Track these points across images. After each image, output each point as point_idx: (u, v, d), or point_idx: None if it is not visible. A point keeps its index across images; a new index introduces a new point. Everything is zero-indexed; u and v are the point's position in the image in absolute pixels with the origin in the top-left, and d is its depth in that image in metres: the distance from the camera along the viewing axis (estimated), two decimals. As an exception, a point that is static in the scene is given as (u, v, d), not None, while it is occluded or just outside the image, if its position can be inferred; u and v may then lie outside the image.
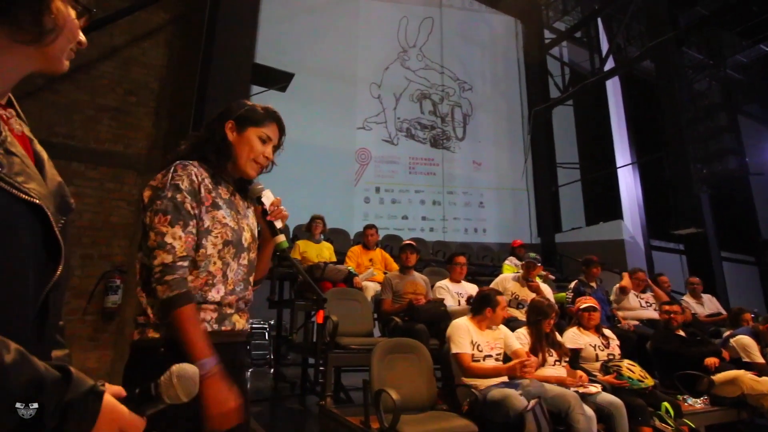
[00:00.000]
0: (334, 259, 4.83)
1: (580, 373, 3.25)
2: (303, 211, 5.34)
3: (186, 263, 1.14)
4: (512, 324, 3.80)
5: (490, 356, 3.04)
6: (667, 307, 4.18)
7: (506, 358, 3.13)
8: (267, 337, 5.91)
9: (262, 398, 4.15)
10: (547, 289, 4.42)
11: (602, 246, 8.14)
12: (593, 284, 4.81)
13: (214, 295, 1.20)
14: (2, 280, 0.54)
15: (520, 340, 3.25)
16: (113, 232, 4.66)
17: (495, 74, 10.22)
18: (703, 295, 5.59)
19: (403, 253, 4.24)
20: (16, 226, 0.58)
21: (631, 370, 3.32)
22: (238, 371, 1.25)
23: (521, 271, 4.48)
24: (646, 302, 5.00)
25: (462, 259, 4.35)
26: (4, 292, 0.52)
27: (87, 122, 4.87)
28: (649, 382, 3.32)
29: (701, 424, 3.39)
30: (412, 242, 4.42)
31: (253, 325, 5.83)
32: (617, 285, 5.07)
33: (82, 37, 0.71)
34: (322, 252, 4.77)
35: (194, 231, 1.18)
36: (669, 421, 3.08)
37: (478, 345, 3.03)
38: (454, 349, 2.97)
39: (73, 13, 0.68)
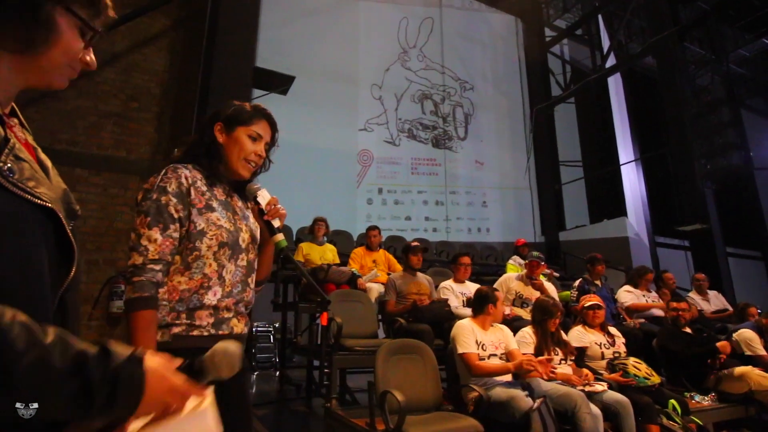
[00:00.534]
0: (338, 260, 4.83)
1: (585, 371, 3.23)
2: (306, 213, 5.35)
3: (158, 267, 1.13)
4: (517, 323, 3.79)
5: (495, 355, 3.04)
6: (674, 305, 4.15)
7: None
8: (272, 340, 5.92)
9: (268, 401, 4.16)
10: (551, 288, 4.40)
11: (606, 244, 8.11)
12: (598, 282, 4.79)
13: (211, 297, 1.20)
14: (22, 281, 0.56)
15: (525, 339, 3.24)
16: (117, 238, 4.69)
17: (496, 73, 10.20)
18: (709, 291, 5.55)
19: (414, 255, 4.22)
20: (31, 229, 0.60)
21: (638, 367, 3.30)
22: (236, 376, 1.24)
23: (525, 270, 4.47)
24: (652, 301, 4.97)
25: (466, 260, 4.34)
26: (25, 292, 0.54)
27: (90, 128, 4.90)
28: (656, 379, 3.30)
29: (709, 421, 3.37)
30: (420, 244, 4.38)
31: (258, 328, 5.84)
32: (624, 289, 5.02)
33: (88, 57, 0.71)
34: (325, 254, 4.78)
35: (175, 235, 1.18)
36: (676, 419, 3.06)
37: (483, 344, 3.03)
38: (460, 349, 2.97)
39: (75, 31, 0.68)
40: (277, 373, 4.88)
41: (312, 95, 7.83)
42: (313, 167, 7.64)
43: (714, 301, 5.49)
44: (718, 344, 3.75)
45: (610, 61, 9.42)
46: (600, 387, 3.03)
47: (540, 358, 2.83)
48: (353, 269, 4.54)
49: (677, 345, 3.91)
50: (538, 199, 9.67)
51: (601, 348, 3.54)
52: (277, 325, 5.69)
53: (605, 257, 5.01)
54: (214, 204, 1.25)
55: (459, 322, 3.13)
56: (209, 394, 0.69)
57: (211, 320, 1.20)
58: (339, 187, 8.16)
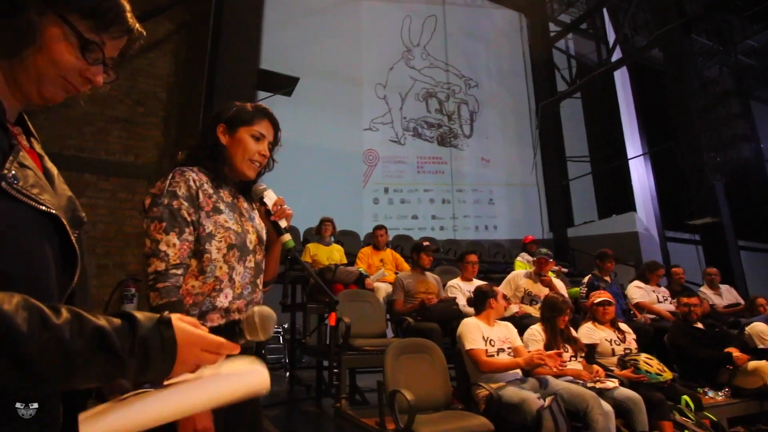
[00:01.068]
0: (345, 261, 4.83)
1: (596, 367, 3.21)
2: (312, 213, 5.36)
3: (180, 271, 1.14)
4: (526, 320, 3.77)
5: (503, 350, 3.03)
6: (685, 300, 4.09)
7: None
8: (281, 341, 5.94)
9: (278, 402, 4.17)
10: (560, 285, 4.37)
11: (616, 239, 8.04)
12: (607, 278, 4.75)
13: (223, 300, 1.21)
14: (28, 285, 0.57)
15: (534, 337, 3.22)
16: (126, 242, 4.73)
17: (500, 70, 10.15)
18: (721, 285, 5.48)
19: (426, 255, 4.21)
20: (36, 235, 0.61)
21: (649, 363, 3.27)
22: None
23: (533, 267, 4.44)
24: (663, 296, 4.92)
25: (474, 258, 4.33)
26: (33, 297, 0.55)
27: (97, 134, 4.95)
28: (668, 375, 3.27)
29: (723, 416, 3.33)
30: (430, 244, 4.37)
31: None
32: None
33: (92, 75, 0.70)
34: (332, 254, 4.78)
35: (191, 238, 1.18)
36: (690, 415, 3.03)
37: (490, 340, 3.02)
38: (468, 346, 2.96)
39: (68, 42, 0.67)
40: (287, 373, 4.89)
41: (316, 96, 7.85)
42: (319, 168, 7.65)
43: (726, 296, 5.42)
44: (731, 350, 3.69)
45: (616, 55, 9.33)
46: (611, 384, 3.01)
47: (550, 352, 2.81)
48: (361, 269, 4.54)
49: (688, 342, 3.86)
50: (546, 195, 9.61)
51: (611, 344, 3.51)
52: (286, 326, 5.71)
53: (614, 253, 4.97)
54: (222, 206, 1.25)
55: (464, 321, 3.12)
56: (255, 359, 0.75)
57: (222, 322, 1.21)
58: (345, 187, 8.17)
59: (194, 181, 1.22)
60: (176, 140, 5.26)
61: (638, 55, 9.54)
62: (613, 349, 3.50)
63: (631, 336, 3.64)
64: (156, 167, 5.08)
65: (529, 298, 4.27)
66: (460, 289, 4.16)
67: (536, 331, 3.25)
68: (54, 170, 0.72)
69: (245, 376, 0.73)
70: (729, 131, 7.69)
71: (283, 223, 1.31)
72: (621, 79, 10.15)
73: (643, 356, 3.34)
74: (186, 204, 1.19)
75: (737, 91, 8.17)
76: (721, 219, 7.05)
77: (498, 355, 2.99)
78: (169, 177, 1.21)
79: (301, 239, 6.00)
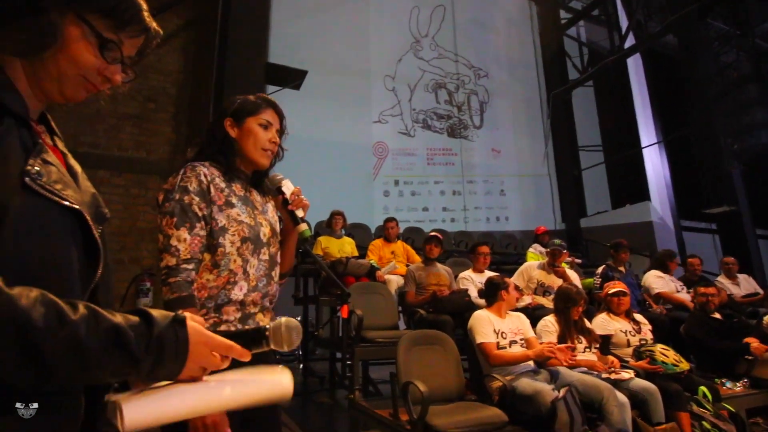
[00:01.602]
0: (356, 253, 4.84)
1: (611, 358, 3.18)
2: (323, 207, 5.37)
3: (191, 265, 1.15)
4: (539, 312, 3.75)
5: (515, 342, 3.01)
6: (702, 289, 4.02)
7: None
8: (294, 334, 5.98)
9: (292, 393, 4.21)
10: (573, 275, 4.33)
11: (630, 229, 7.94)
12: (622, 269, 4.69)
13: (237, 293, 1.21)
14: (50, 282, 0.57)
15: (548, 328, 3.20)
16: (141, 237, 4.79)
17: (511, 59, 10.02)
18: (738, 275, 5.38)
19: (427, 245, 4.22)
20: (60, 230, 0.62)
21: (665, 354, 3.23)
22: None
23: (546, 258, 4.40)
24: (681, 286, 4.85)
25: (485, 249, 4.31)
26: (55, 289, 0.56)
27: (110, 131, 5.00)
28: (685, 366, 3.22)
29: (741, 407, 3.27)
30: (437, 234, 4.38)
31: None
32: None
33: (111, 73, 0.71)
34: (343, 247, 4.79)
35: (202, 233, 1.19)
36: (707, 406, 2.98)
37: (502, 332, 3.00)
38: (478, 339, 2.95)
39: (88, 42, 0.68)
40: (301, 365, 4.93)
41: (325, 89, 7.82)
42: (329, 161, 7.65)
43: (744, 285, 5.32)
44: (749, 341, 3.62)
45: (629, 42, 9.14)
46: (627, 375, 2.98)
47: (561, 345, 2.79)
48: (372, 261, 4.54)
49: (705, 332, 3.80)
50: (558, 185, 9.50)
51: (626, 335, 3.48)
52: (299, 319, 5.75)
53: (629, 243, 4.90)
54: (234, 200, 1.25)
55: (475, 313, 3.11)
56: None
57: (238, 315, 1.21)
58: (355, 180, 8.16)
59: (205, 176, 1.23)
60: (187, 135, 5.30)
61: (652, 41, 9.33)
62: (628, 340, 3.46)
63: (646, 327, 3.60)
64: (168, 163, 5.12)
65: (542, 289, 4.24)
66: (472, 281, 4.14)
67: (549, 323, 3.22)
68: (77, 168, 0.74)
69: (270, 382, 0.76)
70: (747, 117, 7.51)
71: (299, 213, 1.31)
72: (634, 66, 9.95)
73: (659, 347, 3.30)
74: (197, 199, 1.19)
75: (755, 76, 7.94)
76: (738, 207, 6.91)
77: (510, 347, 2.98)
78: (181, 172, 1.22)
79: (312, 232, 6.01)
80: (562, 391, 2.57)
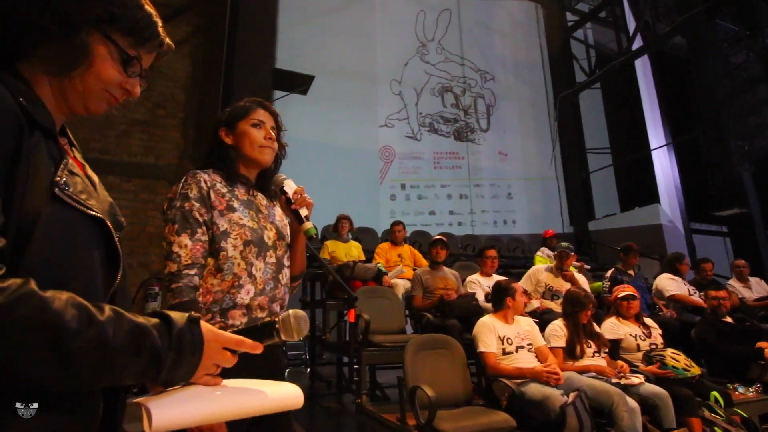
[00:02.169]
0: (363, 257, 4.85)
1: (620, 362, 3.15)
2: (329, 211, 5.38)
3: (193, 271, 1.17)
4: (547, 316, 3.72)
5: (522, 347, 2.99)
6: (714, 293, 3.97)
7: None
8: (302, 338, 5.99)
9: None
10: (582, 279, 4.30)
11: (639, 232, 7.85)
12: (631, 272, 4.65)
13: (244, 296, 1.22)
14: (78, 283, 0.61)
15: (556, 332, 3.18)
16: (150, 241, 4.84)
17: (517, 62, 9.99)
18: (750, 278, 5.31)
19: (433, 248, 4.22)
20: (85, 238, 0.65)
21: (676, 359, 3.19)
22: (271, 377, 1.26)
23: (554, 261, 4.38)
24: (693, 290, 4.79)
25: (492, 253, 4.29)
26: (81, 293, 0.59)
27: (120, 137, 5.07)
28: (696, 370, 3.18)
29: (754, 413, 3.23)
30: (442, 237, 4.39)
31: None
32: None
33: (132, 87, 0.75)
34: (350, 251, 4.80)
35: (204, 238, 1.21)
36: (719, 411, 2.94)
37: (507, 338, 2.98)
38: (481, 348, 2.95)
39: (112, 58, 0.71)
40: (308, 370, 4.94)
41: (332, 94, 7.85)
42: (336, 165, 7.67)
43: (756, 288, 5.25)
44: (762, 345, 3.56)
45: (637, 43, 9.08)
46: (637, 380, 2.95)
47: (556, 368, 2.77)
48: (379, 264, 4.54)
49: (715, 337, 3.74)
50: (566, 188, 9.43)
51: (636, 340, 3.44)
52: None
53: (639, 246, 4.85)
54: (236, 204, 1.27)
55: (480, 320, 3.10)
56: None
57: (245, 320, 1.22)
58: (362, 184, 8.17)
59: (205, 182, 1.25)
60: (195, 141, 5.35)
61: (660, 43, 9.27)
62: (638, 345, 3.42)
63: (656, 331, 3.56)
64: (176, 168, 5.17)
65: (550, 293, 4.21)
66: (480, 285, 4.13)
67: (558, 327, 3.20)
68: (95, 177, 0.77)
69: (284, 390, 0.79)
70: (757, 118, 7.41)
71: (303, 212, 1.32)
72: (642, 68, 9.88)
73: (670, 351, 3.27)
74: (197, 205, 1.22)
75: (765, 77, 7.85)
76: (749, 209, 6.83)
77: (517, 352, 2.96)
78: (182, 180, 1.25)
79: (319, 237, 6.04)
80: (572, 396, 2.55)
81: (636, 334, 3.46)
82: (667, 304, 4.62)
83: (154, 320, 0.64)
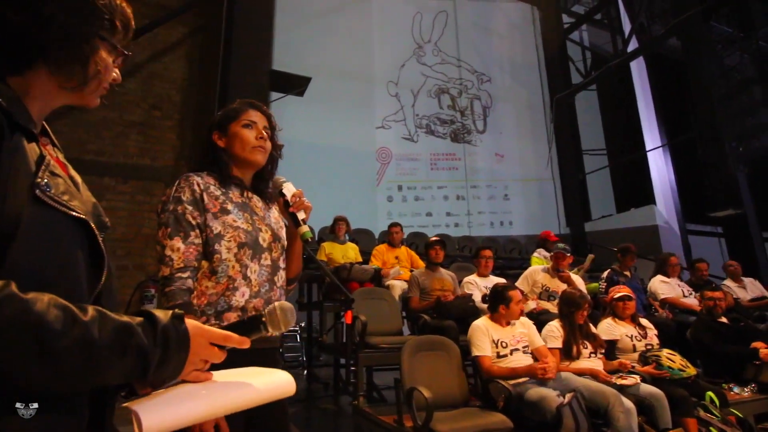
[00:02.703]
0: (360, 259, 4.85)
1: (621, 360, 3.17)
2: (326, 213, 5.38)
3: (186, 274, 1.17)
4: (544, 317, 3.73)
5: (517, 349, 2.98)
6: (709, 293, 3.99)
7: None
8: (298, 339, 5.98)
9: (296, 400, 4.21)
10: (578, 280, 4.31)
11: (635, 233, 7.89)
12: (627, 273, 4.67)
13: (239, 299, 1.22)
14: (62, 289, 0.60)
15: (552, 333, 3.19)
16: (146, 243, 4.82)
17: (513, 64, 10.03)
18: (745, 278, 5.34)
19: (431, 249, 4.22)
20: (68, 239, 0.64)
21: (671, 359, 3.20)
22: None
23: (551, 262, 4.39)
24: (687, 291, 4.81)
25: (487, 253, 4.30)
26: (65, 294, 0.58)
27: (116, 138, 5.05)
28: (691, 371, 3.19)
29: (749, 412, 3.24)
30: (439, 238, 4.39)
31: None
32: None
33: (117, 75, 0.77)
34: (347, 253, 4.80)
35: (197, 241, 1.21)
36: (714, 411, 2.95)
37: (502, 341, 2.98)
38: (475, 351, 2.95)
39: (112, 58, 0.74)
40: (305, 371, 4.93)
41: (328, 95, 7.86)
42: (332, 167, 7.67)
43: (750, 288, 5.28)
44: (758, 345, 3.58)
45: (632, 45, 9.13)
46: (633, 380, 2.96)
47: (550, 367, 2.78)
48: (375, 266, 4.55)
49: (711, 338, 3.76)
50: (562, 189, 9.46)
51: (632, 340, 3.45)
52: (303, 325, 5.76)
53: (635, 247, 4.88)
54: (229, 207, 1.27)
55: (473, 323, 3.09)
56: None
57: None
58: (359, 186, 8.17)
59: (198, 185, 1.25)
60: (192, 142, 5.34)
61: (655, 45, 9.32)
62: (634, 345, 3.43)
63: (652, 331, 3.57)
64: (173, 169, 5.16)
65: (546, 294, 4.22)
66: (477, 285, 4.14)
67: (555, 327, 3.21)
68: (78, 178, 0.76)
69: (275, 379, 0.78)
70: (751, 120, 7.47)
71: (301, 215, 1.32)
72: (637, 69, 9.94)
73: (666, 352, 3.28)
74: (190, 208, 1.22)
75: (759, 79, 7.91)
76: (744, 210, 6.86)
77: (511, 354, 2.96)
78: (176, 184, 1.26)
79: (316, 238, 6.03)
80: (568, 397, 2.56)
81: (632, 335, 3.48)
82: (662, 305, 4.64)
83: (139, 319, 0.64)
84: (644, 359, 3.30)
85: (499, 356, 2.94)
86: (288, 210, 1.32)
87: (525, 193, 9.31)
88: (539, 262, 5.27)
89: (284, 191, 1.33)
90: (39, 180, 0.62)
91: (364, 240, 6.22)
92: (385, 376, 4.15)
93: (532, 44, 10.26)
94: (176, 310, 0.68)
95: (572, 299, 3.22)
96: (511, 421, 2.56)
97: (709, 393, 3.07)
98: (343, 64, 8.38)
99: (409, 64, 9.09)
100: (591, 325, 3.34)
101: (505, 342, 2.98)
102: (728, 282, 5.30)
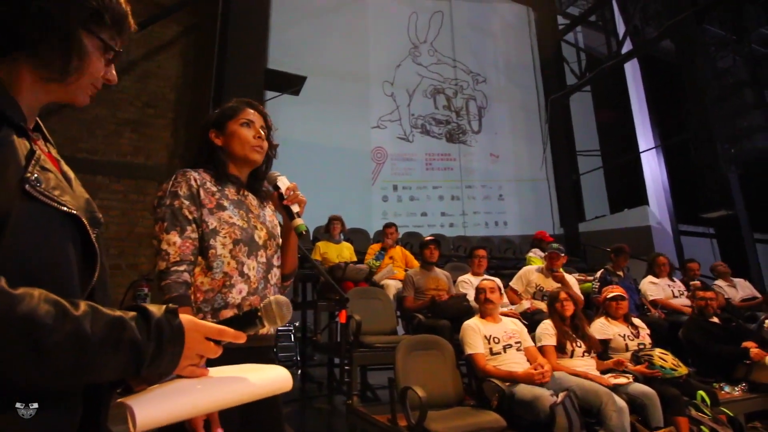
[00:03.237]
0: (355, 258, 4.84)
1: (615, 359, 3.20)
2: (321, 212, 5.37)
3: (182, 267, 1.17)
4: (538, 316, 3.75)
5: (510, 346, 3.00)
6: (701, 293, 4.03)
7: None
8: (292, 339, 5.97)
9: (290, 399, 4.20)
10: (572, 280, 4.33)
11: (628, 233, 7.94)
12: (620, 273, 4.70)
13: (235, 296, 1.22)
14: (53, 285, 0.58)
15: (547, 331, 3.21)
16: (139, 242, 4.79)
17: (509, 64, 10.07)
18: (736, 279, 5.39)
19: (426, 249, 4.22)
20: (59, 235, 0.63)
21: (663, 358, 3.23)
22: None
23: (545, 262, 4.41)
24: (678, 291, 4.85)
25: (482, 252, 4.31)
26: (57, 293, 0.57)
27: (109, 137, 5.01)
28: (683, 370, 3.22)
29: (740, 411, 3.27)
30: (434, 237, 4.41)
31: (278, 328, 5.88)
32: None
33: (111, 75, 0.75)
34: (342, 252, 4.80)
35: (194, 235, 1.21)
36: (705, 410, 2.98)
37: (494, 338, 3.00)
38: (468, 350, 2.97)
39: (99, 53, 0.72)
40: (299, 371, 4.92)
41: (324, 94, 7.84)
42: (328, 166, 7.66)
43: (742, 288, 5.33)
44: (748, 345, 3.62)
45: (626, 47, 9.19)
46: (625, 379, 2.98)
47: (547, 367, 2.80)
48: (369, 261, 4.56)
49: (703, 339, 3.79)
50: (556, 190, 9.51)
51: (625, 340, 3.48)
52: (297, 324, 5.74)
53: (628, 248, 4.91)
54: (225, 203, 1.27)
55: (464, 324, 3.12)
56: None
57: None
58: (354, 186, 8.17)
59: (195, 180, 1.25)
60: (186, 141, 5.31)
61: (649, 47, 9.38)
62: (626, 344, 3.46)
63: (644, 331, 3.60)
64: (166, 168, 5.13)
65: (540, 294, 4.24)
66: (471, 285, 4.14)
67: (549, 326, 3.23)
68: (71, 173, 0.75)
69: (271, 374, 0.77)
70: (743, 122, 7.53)
71: (295, 209, 1.32)
72: (631, 71, 10.00)
73: (658, 351, 3.30)
74: (187, 203, 1.22)
75: (751, 81, 7.98)
76: (735, 211, 6.93)
77: (505, 351, 2.98)
78: (172, 179, 1.26)
79: (311, 237, 6.02)
80: (561, 396, 2.57)
81: (624, 334, 3.50)
82: (653, 305, 4.68)
83: (132, 313, 0.63)
84: (637, 358, 3.32)
85: (492, 353, 2.95)
86: (282, 203, 1.32)
87: (519, 194, 9.35)
88: (537, 262, 5.29)
89: (279, 184, 1.34)
90: (29, 175, 0.62)
91: (359, 240, 6.22)
92: (379, 376, 4.15)
93: (527, 45, 10.30)
94: (170, 305, 0.68)
95: (552, 294, 3.34)
96: (505, 420, 2.57)
97: (701, 392, 3.10)
98: (339, 64, 8.37)
99: (405, 64, 9.10)
100: (587, 326, 3.36)
101: (497, 338, 3.00)
102: (720, 282, 5.34)
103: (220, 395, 0.70)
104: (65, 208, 0.64)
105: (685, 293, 4.79)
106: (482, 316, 3.15)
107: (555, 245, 4.34)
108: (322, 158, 7.55)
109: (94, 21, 0.70)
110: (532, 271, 4.40)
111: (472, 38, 9.77)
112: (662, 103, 9.98)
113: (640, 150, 9.29)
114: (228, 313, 1.21)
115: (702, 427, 2.89)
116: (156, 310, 0.65)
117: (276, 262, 1.36)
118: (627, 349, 3.43)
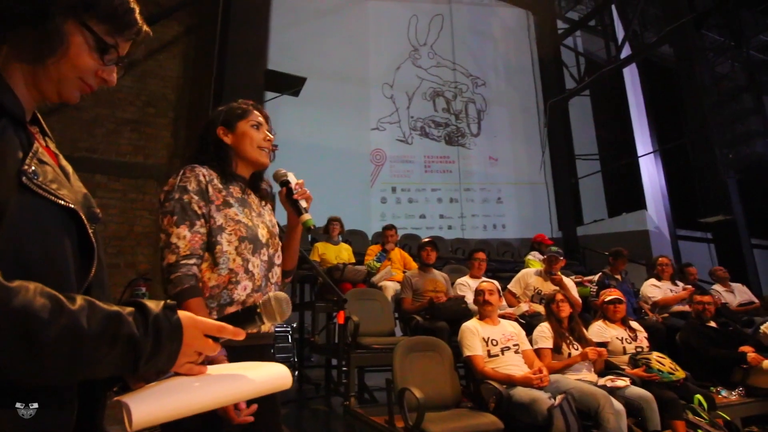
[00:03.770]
0: (353, 260, 4.84)
1: (598, 349, 3.17)
2: (320, 213, 5.37)
3: (192, 261, 1.17)
4: (536, 320, 3.75)
5: (508, 348, 3.01)
6: (698, 298, 4.04)
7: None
8: (290, 340, 5.96)
9: (287, 400, 4.19)
10: (570, 283, 4.34)
11: (626, 237, 7.96)
12: (618, 276, 4.71)
13: (240, 293, 1.23)
14: (48, 279, 0.58)
15: (543, 333, 3.21)
16: (137, 241, 4.78)
17: (508, 68, 10.10)
18: (733, 283, 5.41)
19: (423, 250, 4.23)
20: (55, 228, 0.62)
21: (661, 362, 3.23)
22: None
23: (543, 265, 4.41)
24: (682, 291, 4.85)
25: (481, 255, 4.32)
26: (53, 287, 0.56)
27: (108, 136, 5.01)
28: (680, 374, 3.22)
29: (737, 415, 3.28)
30: (431, 239, 4.42)
31: (276, 328, 5.86)
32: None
33: (110, 76, 0.73)
34: (340, 253, 4.79)
35: (202, 230, 1.22)
36: (703, 414, 2.98)
37: (492, 339, 3.00)
38: (467, 352, 2.97)
39: (87, 46, 0.70)
40: (296, 372, 4.91)
41: (324, 96, 7.86)
42: (327, 167, 7.66)
43: (739, 293, 5.35)
44: (745, 349, 3.63)
45: (625, 52, 9.23)
46: (622, 382, 2.98)
47: (545, 371, 2.81)
48: (368, 262, 4.56)
49: (700, 342, 3.80)
50: (555, 193, 9.54)
51: (622, 343, 3.48)
52: (294, 325, 5.73)
53: (626, 252, 4.93)
54: (232, 201, 1.28)
55: (463, 326, 3.12)
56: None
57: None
58: (353, 187, 8.17)
59: (203, 176, 1.26)
60: (186, 140, 5.31)
61: (648, 52, 9.43)
62: (624, 348, 3.46)
63: (642, 334, 3.61)
64: (166, 167, 5.13)
65: (538, 297, 4.24)
66: (469, 287, 4.15)
67: (545, 328, 3.24)
68: (69, 168, 0.74)
69: (270, 372, 0.77)
70: (742, 127, 7.57)
71: (303, 204, 1.33)
72: (630, 76, 10.05)
73: (655, 355, 3.31)
74: (196, 197, 1.22)
75: (750, 87, 8.02)
76: (733, 216, 6.95)
77: (503, 353, 2.98)
78: (180, 173, 1.26)
79: (309, 238, 6.02)
80: (558, 399, 2.57)
81: (622, 338, 3.50)
82: (652, 309, 4.69)
83: (129, 308, 0.61)
84: (634, 362, 3.32)
85: (490, 355, 2.95)
86: (292, 197, 1.33)
87: (518, 197, 9.37)
88: (536, 265, 5.30)
89: (289, 179, 1.35)
90: (26, 167, 0.61)
91: (358, 241, 6.22)
92: (377, 377, 4.14)
93: (526, 49, 10.33)
94: (168, 301, 0.66)
95: (548, 295, 3.37)
96: (502, 423, 2.56)
97: (698, 396, 3.10)
98: (339, 65, 8.39)
99: (405, 67, 9.12)
100: (584, 329, 3.36)
101: (495, 340, 3.00)
102: (717, 287, 5.36)
103: (219, 393, 0.69)
104: (62, 202, 0.64)
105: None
106: (481, 318, 3.16)
107: (554, 248, 4.35)
108: (321, 159, 7.55)
109: (87, 12, 0.68)
110: (531, 274, 4.40)
111: (472, 41, 9.80)
112: (661, 107, 10.02)
113: (639, 154, 9.32)
114: (232, 311, 1.21)
115: (699, 431, 2.89)
116: (154, 305, 0.64)
117: (277, 260, 1.37)
118: (624, 352, 3.44)
